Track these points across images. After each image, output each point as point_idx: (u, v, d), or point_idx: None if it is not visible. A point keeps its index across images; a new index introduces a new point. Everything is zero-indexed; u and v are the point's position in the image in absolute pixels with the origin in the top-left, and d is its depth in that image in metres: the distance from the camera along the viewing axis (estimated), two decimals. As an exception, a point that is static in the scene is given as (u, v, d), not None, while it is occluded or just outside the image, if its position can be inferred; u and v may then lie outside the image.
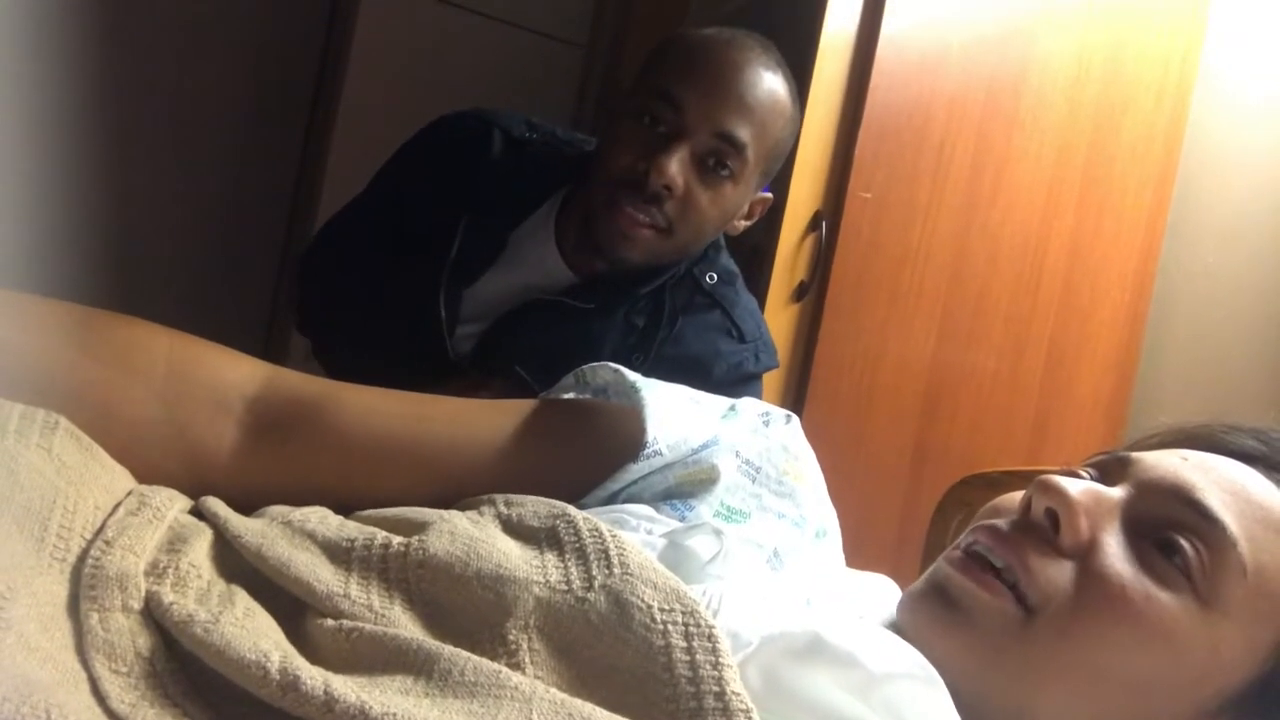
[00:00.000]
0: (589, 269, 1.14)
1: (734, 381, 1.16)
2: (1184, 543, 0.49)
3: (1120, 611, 0.48)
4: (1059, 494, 0.50)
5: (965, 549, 0.52)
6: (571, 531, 0.48)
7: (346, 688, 0.37)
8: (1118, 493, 0.52)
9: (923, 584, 0.53)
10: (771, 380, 1.37)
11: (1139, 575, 0.48)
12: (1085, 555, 0.49)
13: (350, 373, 0.72)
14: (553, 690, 0.39)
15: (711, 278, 1.18)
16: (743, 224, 1.17)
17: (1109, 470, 0.55)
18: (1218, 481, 0.51)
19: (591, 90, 2.27)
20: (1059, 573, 0.49)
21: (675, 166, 1.03)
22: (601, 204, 1.07)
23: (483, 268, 1.13)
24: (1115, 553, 0.49)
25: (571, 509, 0.51)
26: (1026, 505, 0.52)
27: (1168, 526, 0.50)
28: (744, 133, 1.05)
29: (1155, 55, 1.73)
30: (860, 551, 0.67)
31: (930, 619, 0.50)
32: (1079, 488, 0.51)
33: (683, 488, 0.59)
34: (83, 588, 0.41)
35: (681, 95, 1.04)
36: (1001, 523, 0.52)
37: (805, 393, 1.52)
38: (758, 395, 1.17)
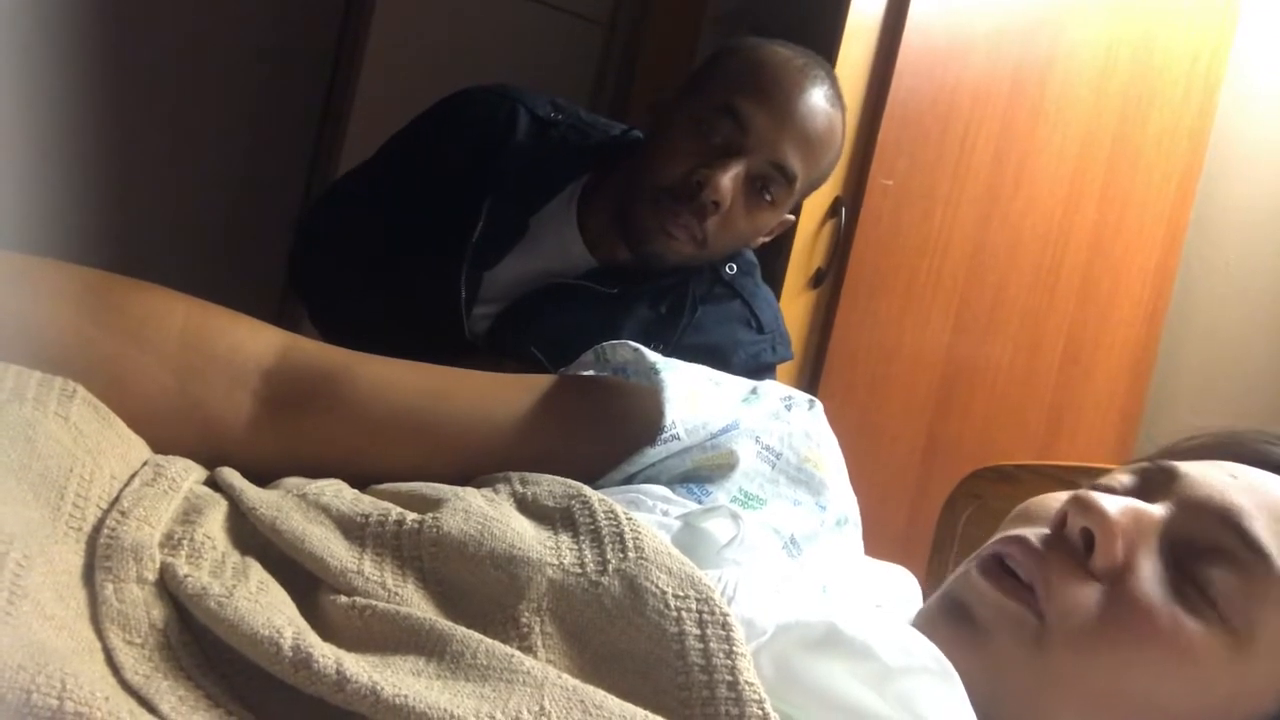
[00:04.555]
0: (611, 257, 1.13)
1: (751, 371, 1.16)
2: (1223, 574, 0.47)
3: (1146, 637, 0.46)
4: (1098, 515, 0.48)
5: (992, 557, 0.50)
6: (586, 513, 0.48)
7: (358, 667, 0.36)
8: (1159, 511, 0.50)
9: (940, 599, 0.51)
10: (785, 367, 1.36)
11: (1169, 602, 0.47)
12: (1117, 578, 0.48)
13: (348, 339, 0.72)
14: (565, 676, 0.39)
15: (731, 268, 1.18)
16: (762, 240, 1.17)
17: (1152, 481, 0.52)
18: (1267, 506, 0.49)
19: (611, 68, 2.25)
20: (1085, 596, 0.47)
21: (728, 184, 1.03)
22: (647, 200, 1.06)
23: (504, 251, 1.12)
24: (1148, 577, 0.48)
25: (587, 489, 0.50)
26: (1062, 520, 0.50)
27: (1209, 552, 0.48)
28: (797, 165, 1.05)
29: (1184, 49, 1.71)
30: (868, 542, 0.66)
31: (948, 637, 0.48)
32: (1118, 506, 0.49)
33: (700, 472, 0.59)
34: (98, 558, 0.41)
35: (747, 115, 1.03)
36: (1033, 536, 0.50)
37: (819, 380, 1.52)
38: (771, 387, 1.18)
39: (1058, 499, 0.53)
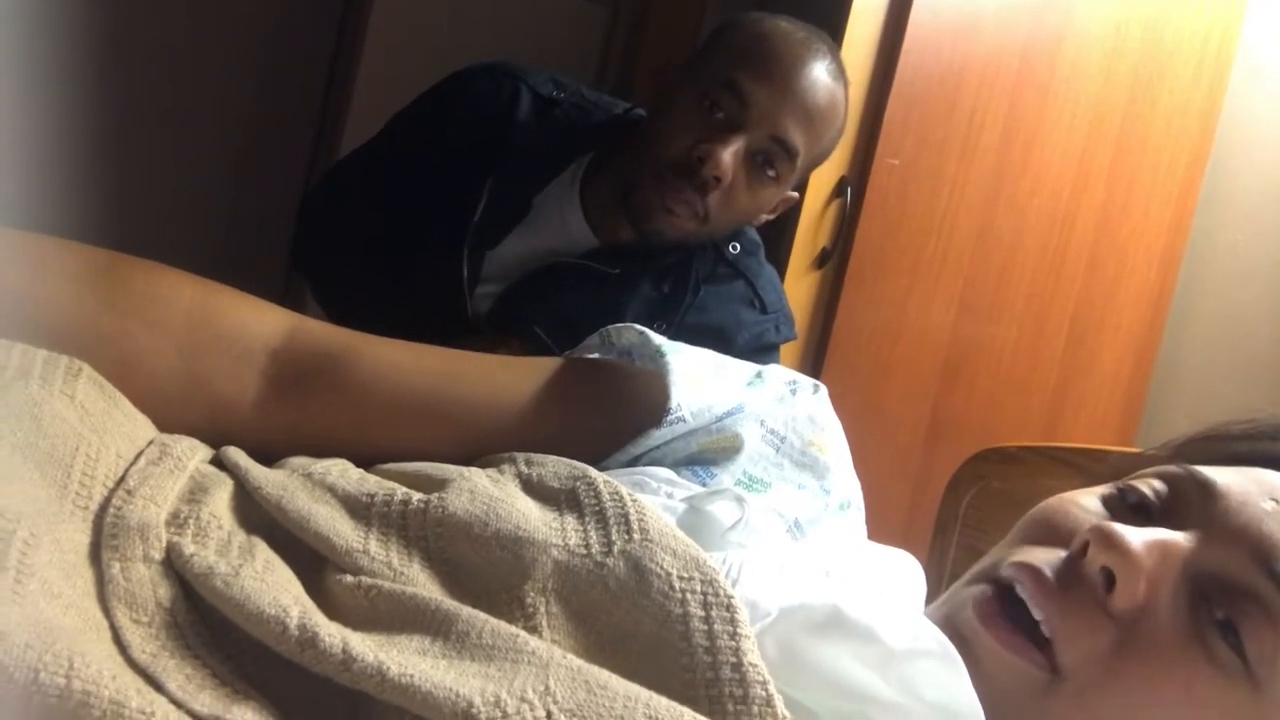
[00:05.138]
0: (613, 236, 1.13)
1: (754, 351, 1.16)
2: (1251, 618, 0.44)
3: (1159, 684, 0.44)
4: (1121, 555, 0.45)
5: (1003, 584, 0.47)
6: (592, 494, 0.48)
7: (364, 646, 0.37)
8: (1185, 541, 0.47)
9: (942, 623, 0.48)
10: (789, 348, 1.36)
11: (1188, 646, 0.45)
12: (1134, 617, 0.45)
13: (352, 318, 0.72)
14: (570, 656, 0.39)
15: (735, 248, 1.18)
16: (766, 218, 1.17)
17: (1183, 495, 0.49)
18: None
19: (616, 50, 2.24)
20: (1101, 640, 0.45)
21: (729, 159, 1.03)
22: (649, 176, 1.06)
23: (506, 230, 1.12)
24: (1167, 618, 0.45)
25: (592, 470, 0.50)
26: (1081, 550, 0.47)
27: (1237, 591, 0.45)
28: (799, 140, 1.05)
29: (1195, 29, 1.70)
30: (871, 523, 0.66)
31: None
32: (1142, 540, 0.45)
33: (705, 455, 0.59)
34: (104, 537, 0.41)
35: (748, 89, 1.02)
36: (1047, 568, 0.47)
37: (822, 361, 1.52)
38: (775, 366, 1.18)
39: (1078, 505, 0.51)
